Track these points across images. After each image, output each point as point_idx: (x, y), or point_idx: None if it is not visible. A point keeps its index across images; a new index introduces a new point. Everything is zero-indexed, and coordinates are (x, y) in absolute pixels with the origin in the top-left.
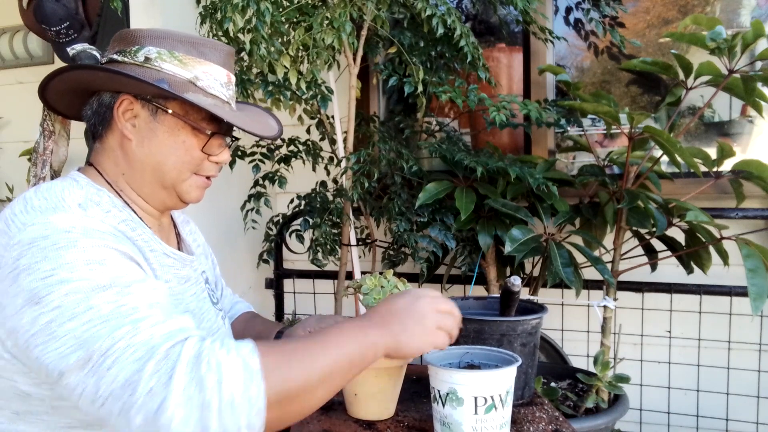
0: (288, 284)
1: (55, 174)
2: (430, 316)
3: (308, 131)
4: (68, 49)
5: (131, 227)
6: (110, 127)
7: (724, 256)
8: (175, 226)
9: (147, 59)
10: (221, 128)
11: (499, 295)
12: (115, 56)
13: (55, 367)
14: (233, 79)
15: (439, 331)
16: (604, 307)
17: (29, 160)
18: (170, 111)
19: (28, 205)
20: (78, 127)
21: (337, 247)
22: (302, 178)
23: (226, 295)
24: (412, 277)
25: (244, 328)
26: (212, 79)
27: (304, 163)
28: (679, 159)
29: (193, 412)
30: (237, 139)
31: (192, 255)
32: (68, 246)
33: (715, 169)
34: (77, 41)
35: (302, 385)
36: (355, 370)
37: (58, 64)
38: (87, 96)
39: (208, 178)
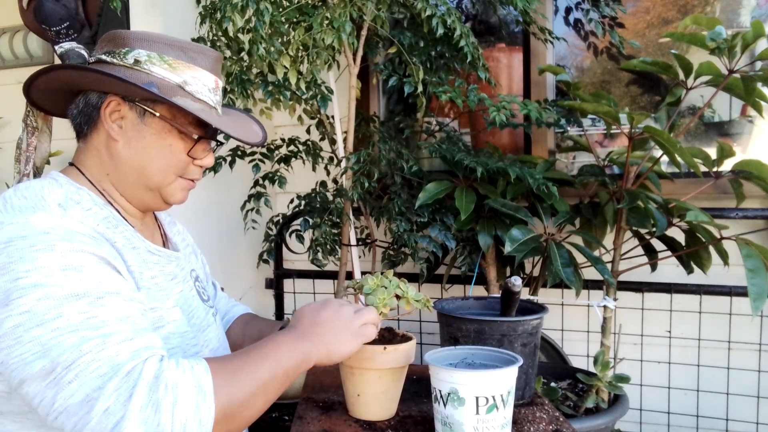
0: (288, 284)
1: (37, 170)
2: (355, 318)
3: (308, 131)
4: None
5: (113, 224)
6: (96, 127)
7: (724, 256)
8: (160, 225)
9: (137, 62)
10: (207, 133)
11: (499, 295)
12: (103, 56)
13: (17, 374)
14: (220, 84)
15: (364, 327)
16: (604, 307)
17: (16, 159)
18: (158, 114)
19: (8, 204)
20: (62, 126)
21: (337, 247)
22: (302, 178)
23: (221, 297)
24: (412, 277)
25: (244, 330)
26: (201, 84)
27: (304, 163)
28: (679, 159)
29: None
30: (221, 144)
31: (177, 252)
32: (46, 249)
33: (715, 169)
34: (77, 41)
35: (244, 398)
36: (290, 379)
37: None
38: (72, 95)
39: (192, 180)
